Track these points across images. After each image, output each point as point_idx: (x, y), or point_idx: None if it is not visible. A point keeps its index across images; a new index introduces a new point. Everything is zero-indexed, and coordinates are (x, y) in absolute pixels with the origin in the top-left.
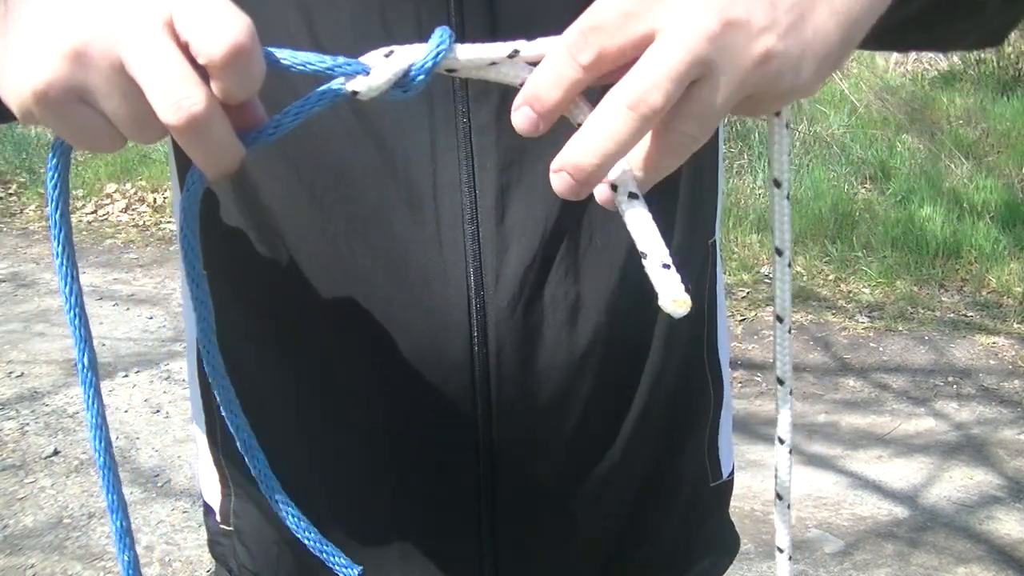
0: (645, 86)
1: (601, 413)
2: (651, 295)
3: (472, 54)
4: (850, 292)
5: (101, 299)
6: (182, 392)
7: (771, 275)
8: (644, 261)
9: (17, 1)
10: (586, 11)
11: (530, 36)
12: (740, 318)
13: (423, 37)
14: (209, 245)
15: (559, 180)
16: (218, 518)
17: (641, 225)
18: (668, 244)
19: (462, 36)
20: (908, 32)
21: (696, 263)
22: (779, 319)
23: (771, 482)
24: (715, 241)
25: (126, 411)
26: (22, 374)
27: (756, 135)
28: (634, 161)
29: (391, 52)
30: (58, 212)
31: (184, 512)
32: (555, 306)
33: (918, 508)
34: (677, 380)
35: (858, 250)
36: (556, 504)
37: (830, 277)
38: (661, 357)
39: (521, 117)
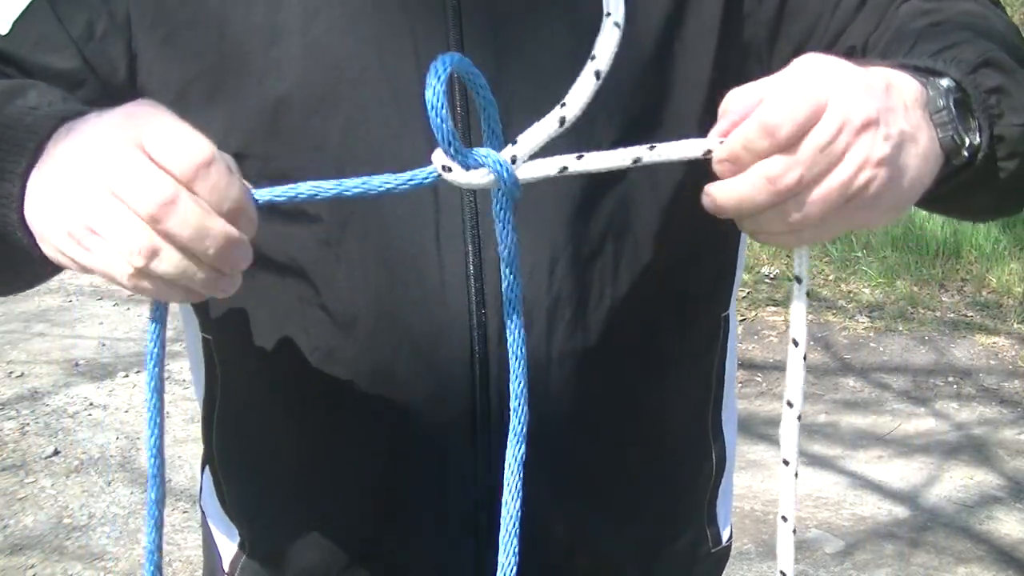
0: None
1: (600, 467)
2: (658, 347)
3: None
4: (850, 292)
5: (101, 299)
6: (182, 392)
7: (770, 275)
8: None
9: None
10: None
11: (532, 62)
12: (740, 318)
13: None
14: (212, 311)
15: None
16: (226, 568)
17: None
18: (677, 314)
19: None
20: (942, 202)
21: (705, 334)
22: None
23: (771, 482)
24: (728, 315)
25: (126, 411)
26: (22, 374)
27: None
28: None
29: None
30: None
31: (184, 512)
32: (562, 362)
33: (918, 508)
34: (679, 439)
35: (858, 250)
36: (554, 562)
37: (830, 277)
38: (664, 414)
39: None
